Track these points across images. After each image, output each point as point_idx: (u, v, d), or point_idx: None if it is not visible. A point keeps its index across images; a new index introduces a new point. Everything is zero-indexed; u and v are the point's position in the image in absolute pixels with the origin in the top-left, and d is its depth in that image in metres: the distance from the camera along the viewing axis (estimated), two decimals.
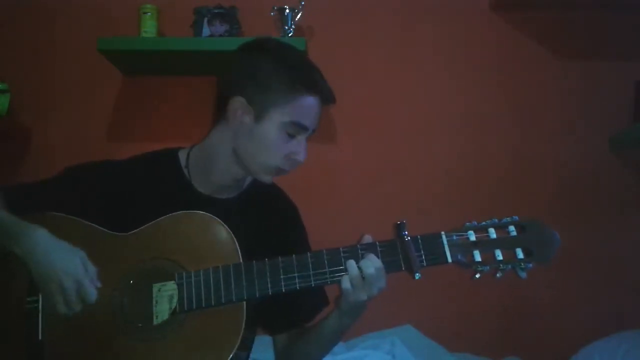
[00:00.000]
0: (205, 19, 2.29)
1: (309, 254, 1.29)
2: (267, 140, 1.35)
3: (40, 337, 1.31)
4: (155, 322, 1.29)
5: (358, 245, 1.29)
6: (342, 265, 1.27)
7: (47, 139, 2.42)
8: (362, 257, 1.27)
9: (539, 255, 1.26)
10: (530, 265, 1.26)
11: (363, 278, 1.25)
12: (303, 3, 2.29)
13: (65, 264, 1.24)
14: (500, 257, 1.26)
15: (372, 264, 1.25)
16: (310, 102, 1.36)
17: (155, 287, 1.30)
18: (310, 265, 1.28)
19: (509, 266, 1.26)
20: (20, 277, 1.31)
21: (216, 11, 2.29)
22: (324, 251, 1.29)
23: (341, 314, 1.34)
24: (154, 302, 1.30)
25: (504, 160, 2.41)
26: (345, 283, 1.26)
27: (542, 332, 2.33)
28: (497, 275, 1.27)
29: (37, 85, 2.44)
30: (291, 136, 1.36)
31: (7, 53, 2.43)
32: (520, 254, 1.26)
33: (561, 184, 2.39)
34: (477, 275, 1.26)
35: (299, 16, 2.29)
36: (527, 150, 2.41)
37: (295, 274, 1.27)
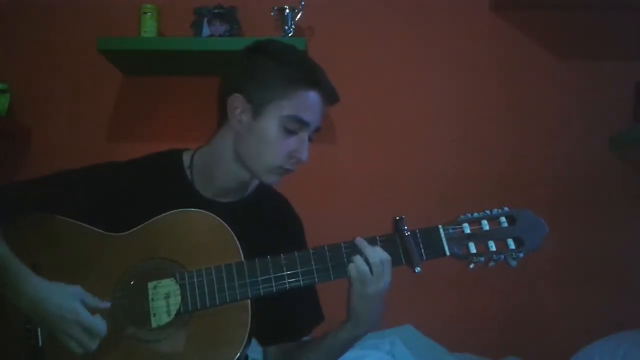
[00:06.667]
0: (205, 19, 2.29)
1: (310, 250, 1.29)
2: (267, 137, 1.33)
3: (40, 344, 1.29)
4: (152, 319, 1.28)
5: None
6: (344, 260, 1.28)
7: (47, 139, 2.42)
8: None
9: (529, 244, 1.30)
10: (522, 254, 1.30)
11: (371, 271, 1.25)
12: (303, 3, 2.29)
13: (64, 311, 1.21)
14: (494, 248, 1.30)
15: (378, 255, 1.26)
16: (310, 96, 1.33)
17: (151, 284, 1.30)
18: (313, 262, 1.28)
19: (502, 256, 1.30)
20: None
21: (216, 11, 2.30)
22: (326, 247, 1.29)
23: (354, 317, 1.31)
24: (149, 300, 1.29)
25: (503, 160, 2.41)
26: (352, 271, 1.26)
27: (542, 332, 2.32)
28: (490, 264, 1.31)
29: (37, 85, 2.43)
30: (292, 133, 1.33)
31: (7, 53, 2.43)
32: (511, 245, 1.31)
33: (561, 184, 2.38)
34: (471, 266, 1.31)
35: (299, 16, 2.29)
36: (526, 150, 2.41)
37: (299, 270, 1.28)
